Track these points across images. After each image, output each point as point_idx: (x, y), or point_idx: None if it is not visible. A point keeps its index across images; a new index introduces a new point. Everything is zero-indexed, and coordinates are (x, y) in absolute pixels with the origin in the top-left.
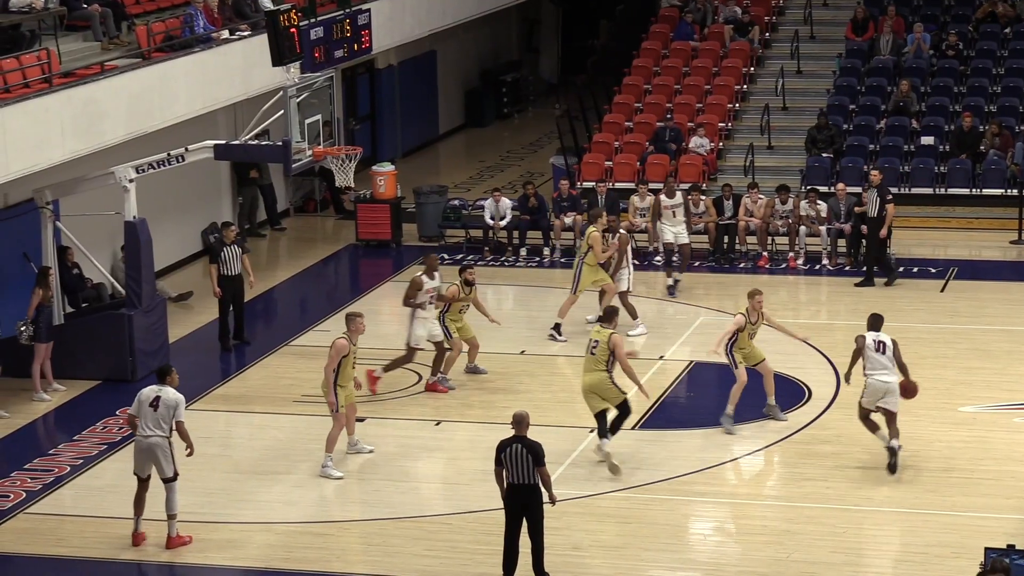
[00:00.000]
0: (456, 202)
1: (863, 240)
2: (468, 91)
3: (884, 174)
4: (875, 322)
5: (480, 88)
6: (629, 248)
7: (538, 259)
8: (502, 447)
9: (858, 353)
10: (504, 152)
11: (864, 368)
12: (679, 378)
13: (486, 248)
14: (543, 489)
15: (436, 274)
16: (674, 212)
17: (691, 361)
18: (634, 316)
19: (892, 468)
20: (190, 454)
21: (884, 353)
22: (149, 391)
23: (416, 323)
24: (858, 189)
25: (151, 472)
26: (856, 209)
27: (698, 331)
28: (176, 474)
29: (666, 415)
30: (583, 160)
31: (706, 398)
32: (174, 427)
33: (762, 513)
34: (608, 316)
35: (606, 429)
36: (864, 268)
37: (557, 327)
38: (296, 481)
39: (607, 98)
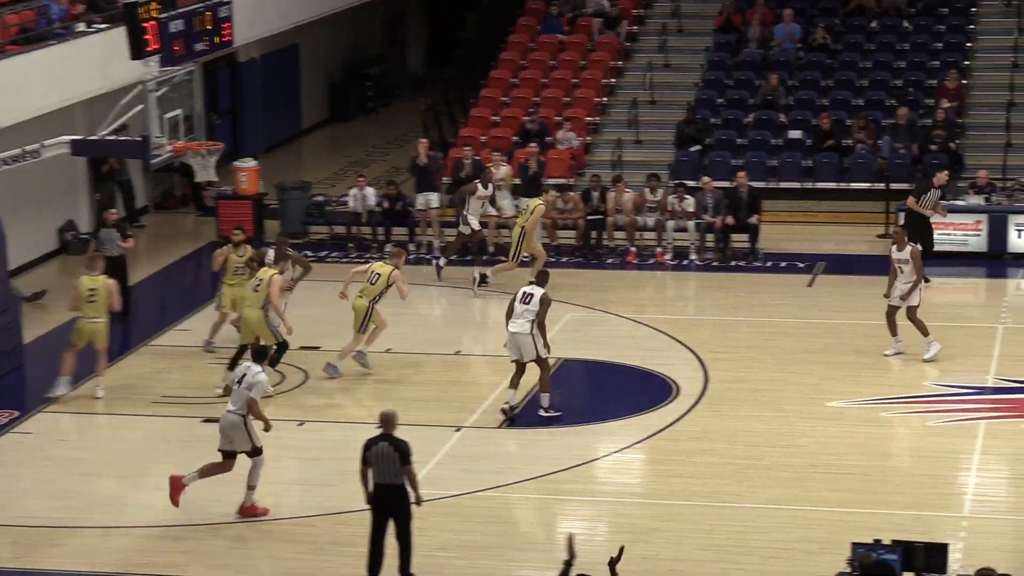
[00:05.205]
0: (320, 198)
1: (731, 235)
2: (332, 85)
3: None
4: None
5: (344, 82)
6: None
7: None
8: (368, 445)
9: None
10: (369, 147)
11: None
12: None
13: (350, 244)
14: (409, 489)
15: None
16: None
17: (558, 359)
18: (925, 333)
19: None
20: (267, 429)
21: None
22: (242, 367)
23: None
24: (726, 183)
25: (232, 448)
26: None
27: (565, 328)
28: (256, 448)
29: (533, 413)
30: (449, 154)
31: (574, 396)
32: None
33: (630, 511)
34: (277, 258)
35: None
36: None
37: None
38: (155, 484)
39: (474, 92)
